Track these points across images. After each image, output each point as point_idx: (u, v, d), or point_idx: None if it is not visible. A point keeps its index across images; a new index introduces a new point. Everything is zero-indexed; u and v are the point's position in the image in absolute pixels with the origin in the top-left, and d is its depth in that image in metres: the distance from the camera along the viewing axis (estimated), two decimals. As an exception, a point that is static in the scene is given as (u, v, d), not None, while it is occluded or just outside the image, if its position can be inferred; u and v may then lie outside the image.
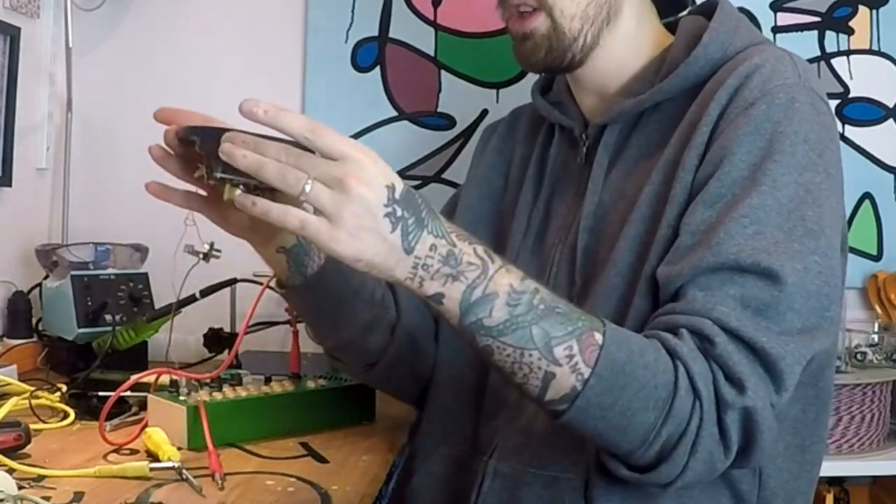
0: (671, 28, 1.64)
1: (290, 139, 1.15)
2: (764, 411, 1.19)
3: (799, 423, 1.42)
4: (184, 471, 1.64)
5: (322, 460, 1.80)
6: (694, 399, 1.17)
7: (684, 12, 1.69)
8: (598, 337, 1.16)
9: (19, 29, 2.62)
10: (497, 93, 2.75)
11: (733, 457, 1.23)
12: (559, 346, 1.14)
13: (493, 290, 1.14)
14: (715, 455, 1.21)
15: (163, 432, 1.79)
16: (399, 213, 1.09)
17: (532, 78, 1.84)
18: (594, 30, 1.53)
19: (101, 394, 2.00)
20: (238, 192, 1.21)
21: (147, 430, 1.82)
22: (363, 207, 1.05)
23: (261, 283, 2.11)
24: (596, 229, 1.53)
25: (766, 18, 2.73)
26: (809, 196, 1.29)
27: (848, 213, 2.72)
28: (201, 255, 1.79)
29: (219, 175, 1.23)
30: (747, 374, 1.17)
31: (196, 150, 1.30)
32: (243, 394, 1.96)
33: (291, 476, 1.68)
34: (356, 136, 2.76)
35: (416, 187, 2.69)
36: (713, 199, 1.29)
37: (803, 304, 1.24)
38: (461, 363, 1.74)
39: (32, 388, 2.14)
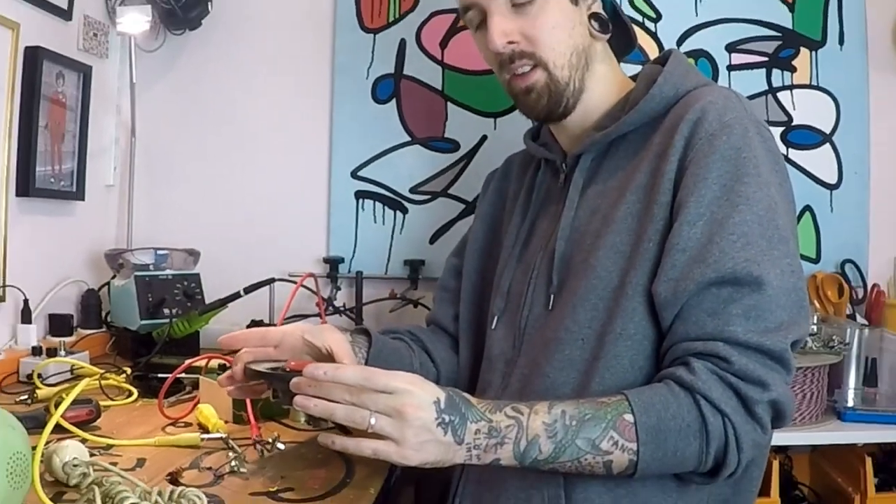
0: (633, 77, 1.66)
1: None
2: (784, 395, 1.27)
3: None
4: (230, 440, 1.68)
5: (347, 432, 1.81)
6: (722, 417, 1.23)
7: (647, 56, 1.73)
8: (629, 417, 1.23)
9: (91, 67, 2.65)
10: (495, 121, 2.76)
11: (771, 430, 1.32)
12: (602, 441, 1.22)
13: (533, 435, 1.22)
14: (757, 439, 1.27)
15: (212, 408, 1.83)
16: (447, 419, 1.20)
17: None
18: (579, 75, 1.56)
19: (159, 375, 2.03)
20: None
21: (199, 406, 1.86)
22: (421, 427, 1.18)
23: (294, 282, 2.15)
24: (571, 239, 1.54)
25: (723, 58, 2.75)
26: (776, 208, 1.33)
27: (789, 224, 2.76)
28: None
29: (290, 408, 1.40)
30: (764, 374, 1.24)
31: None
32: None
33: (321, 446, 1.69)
34: (376, 157, 2.82)
35: (427, 201, 2.73)
36: (694, 218, 1.31)
37: (786, 300, 1.28)
38: (466, 382, 1.82)
39: (102, 371, 2.18)
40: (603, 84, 1.62)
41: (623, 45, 1.74)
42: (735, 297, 1.27)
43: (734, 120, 1.38)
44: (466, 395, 1.28)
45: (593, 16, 1.57)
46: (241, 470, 1.55)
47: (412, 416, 1.17)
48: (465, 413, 1.23)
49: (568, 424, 1.22)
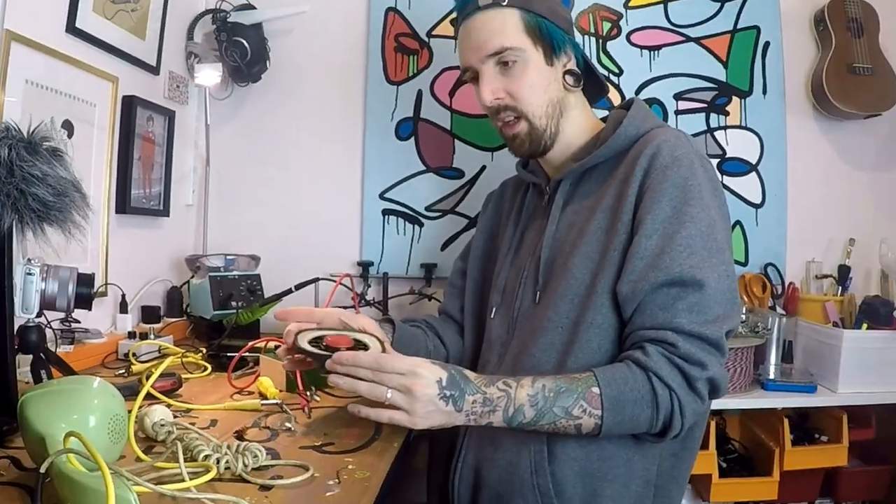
0: (603, 119, 1.67)
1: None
2: (719, 373, 1.32)
3: None
4: (283, 405, 1.68)
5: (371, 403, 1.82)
6: (669, 391, 1.28)
7: (612, 97, 1.74)
8: (596, 389, 1.28)
9: (174, 112, 2.66)
10: (492, 154, 2.76)
11: (709, 401, 1.38)
12: (574, 408, 1.29)
13: (519, 404, 1.30)
14: (697, 408, 1.32)
15: (269, 380, 1.83)
16: (448, 393, 1.28)
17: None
18: (555, 122, 1.59)
19: (228, 354, 2.02)
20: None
21: (259, 378, 1.86)
22: (427, 401, 1.27)
23: (334, 281, 2.14)
24: (553, 247, 1.55)
25: (671, 105, 2.75)
26: (715, 225, 1.36)
27: (725, 235, 2.76)
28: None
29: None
30: (704, 357, 1.29)
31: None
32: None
33: (358, 403, 1.68)
34: (398, 182, 2.81)
35: (438, 217, 2.72)
36: (650, 232, 1.35)
37: (721, 298, 1.32)
38: (470, 361, 1.81)
39: (183, 350, 2.18)
40: (577, 125, 1.64)
41: (596, 91, 1.75)
42: (681, 295, 1.31)
43: (683, 155, 1.40)
44: (466, 371, 1.34)
45: (568, 72, 1.60)
46: (292, 428, 1.55)
47: (420, 393, 1.25)
48: (464, 388, 1.30)
49: (547, 396, 1.29)
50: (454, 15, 2.71)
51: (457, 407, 1.29)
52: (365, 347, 1.39)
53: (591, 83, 1.71)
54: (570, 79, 1.60)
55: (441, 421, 1.30)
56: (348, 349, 1.38)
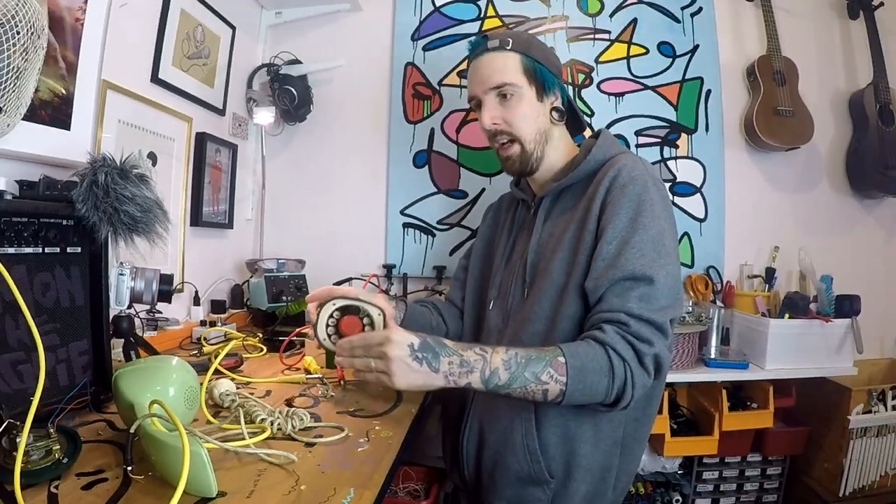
0: (579, 145, 1.67)
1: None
2: (664, 353, 1.28)
3: None
4: (324, 379, 1.68)
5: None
6: (623, 362, 1.24)
7: (586, 132, 1.74)
8: (562, 359, 1.22)
9: (237, 145, 2.66)
10: (490, 179, 2.75)
11: (654, 379, 1.29)
12: (542, 374, 1.22)
13: (494, 367, 1.23)
14: (645, 382, 1.27)
15: (312, 359, 1.83)
16: (420, 355, 1.21)
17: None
18: (541, 148, 1.59)
19: (280, 338, 2.02)
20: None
21: (304, 357, 1.86)
22: (400, 361, 1.19)
23: (364, 280, 2.14)
24: (537, 253, 1.54)
25: (633, 140, 2.74)
26: (664, 234, 1.35)
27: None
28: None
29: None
30: (651, 336, 1.26)
31: None
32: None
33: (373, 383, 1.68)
34: (415, 202, 2.80)
35: (447, 229, 2.72)
36: (610, 239, 1.34)
37: (667, 292, 1.30)
38: (470, 338, 1.78)
39: (243, 335, 2.18)
40: (559, 151, 1.63)
41: (577, 128, 1.75)
42: (634, 287, 1.29)
43: (638, 175, 1.39)
44: (445, 340, 1.27)
45: (554, 108, 1.60)
46: (331, 396, 1.55)
47: (392, 355, 1.19)
48: (439, 351, 1.23)
49: (519, 362, 1.23)
50: (461, 67, 2.76)
51: (432, 368, 1.21)
52: (372, 325, 1.38)
53: (574, 121, 1.71)
54: (555, 114, 1.60)
55: (420, 381, 1.22)
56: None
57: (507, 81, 1.54)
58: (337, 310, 1.40)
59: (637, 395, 1.27)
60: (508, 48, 1.55)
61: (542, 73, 1.57)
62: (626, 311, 1.27)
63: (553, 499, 1.42)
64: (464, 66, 2.78)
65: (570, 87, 2.77)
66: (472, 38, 1.65)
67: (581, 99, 2.77)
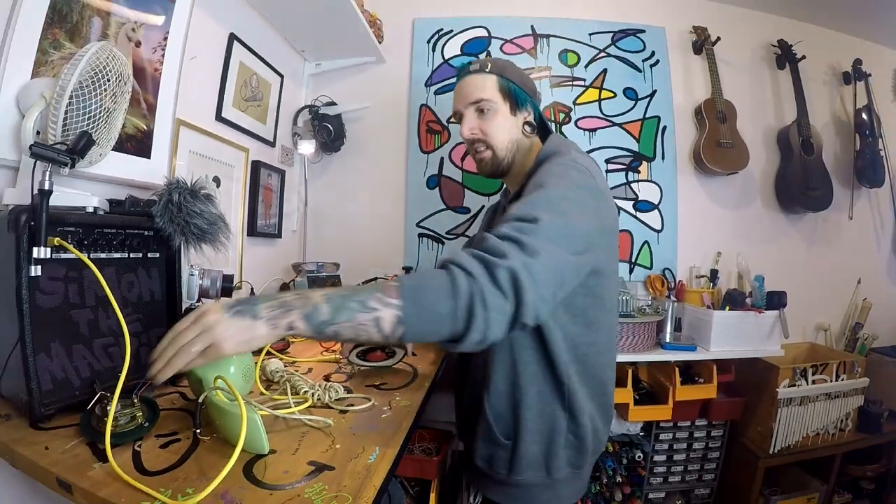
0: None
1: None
2: (520, 267, 0.96)
3: (582, 308, 1.28)
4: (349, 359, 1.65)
5: (413, 353, 1.79)
6: (468, 277, 0.95)
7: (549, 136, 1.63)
8: (393, 282, 0.96)
9: (284, 171, 2.64)
10: (488, 198, 2.73)
11: (513, 306, 0.96)
12: (369, 300, 0.93)
13: (314, 303, 0.93)
14: (500, 303, 0.95)
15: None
16: (238, 309, 0.92)
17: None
18: (511, 155, 1.50)
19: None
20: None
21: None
22: (223, 321, 0.90)
23: (387, 279, 2.11)
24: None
25: (603, 166, 2.72)
26: (564, 200, 1.13)
27: (636, 250, 2.72)
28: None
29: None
30: (505, 249, 0.98)
31: None
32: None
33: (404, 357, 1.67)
34: (428, 216, 2.78)
35: (454, 238, 2.70)
36: (523, 198, 1.14)
37: (549, 231, 1.03)
38: None
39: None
40: (527, 159, 1.51)
41: (546, 136, 1.68)
42: (515, 224, 1.05)
43: (563, 159, 1.26)
44: (264, 296, 0.97)
45: (526, 122, 1.52)
46: (359, 372, 1.54)
47: (210, 319, 0.90)
48: (255, 301, 0.94)
49: (344, 294, 0.95)
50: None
51: (251, 315, 0.91)
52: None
53: (543, 131, 1.60)
54: (527, 127, 1.52)
55: (245, 335, 0.91)
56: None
57: (483, 97, 1.48)
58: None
59: (494, 319, 0.95)
60: (487, 70, 1.50)
61: (516, 92, 1.50)
62: (492, 232, 1.05)
63: (512, 456, 1.34)
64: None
65: (553, 124, 2.75)
66: (459, 65, 1.60)
67: (562, 133, 2.75)
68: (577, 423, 1.32)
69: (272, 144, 2.53)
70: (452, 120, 1.63)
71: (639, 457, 2.64)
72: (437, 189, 2.79)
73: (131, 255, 1.27)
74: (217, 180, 2.06)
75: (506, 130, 1.50)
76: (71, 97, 1.13)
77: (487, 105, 1.48)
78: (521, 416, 1.31)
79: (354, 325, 0.93)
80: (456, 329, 0.95)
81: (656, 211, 2.76)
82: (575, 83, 2.79)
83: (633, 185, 2.76)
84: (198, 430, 1.03)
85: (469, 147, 1.56)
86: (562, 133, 2.75)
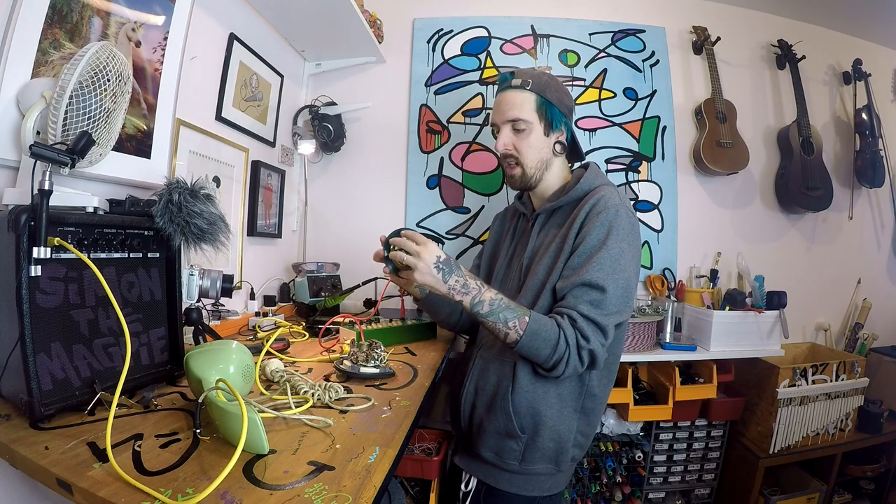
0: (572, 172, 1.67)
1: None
2: (598, 350, 1.32)
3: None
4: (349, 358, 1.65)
5: (413, 353, 1.80)
6: (566, 345, 1.31)
7: (578, 164, 1.71)
8: (527, 318, 1.32)
9: (284, 171, 2.64)
10: (488, 198, 2.74)
11: (585, 368, 1.35)
12: (510, 321, 1.32)
13: (482, 299, 1.34)
14: (577, 367, 1.33)
15: (346, 344, 1.80)
16: (441, 267, 1.34)
17: (505, 192, 1.83)
18: (539, 173, 1.60)
19: (319, 326, 2.01)
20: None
21: (339, 341, 1.83)
22: (426, 265, 1.34)
23: (387, 279, 2.12)
24: (530, 258, 1.56)
25: (604, 166, 2.72)
26: (624, 253, 1.37)
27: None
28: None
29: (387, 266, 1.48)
30: (590, 334, 1.31)
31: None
32: (380, 326, 1.94)
33: (403, 357, 1.68)
34: (428, 216, 2.78)
35: (454, 238, 2.69)
36: (581, 253, 1.38)
37: (615, 301, 1.34)
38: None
39: (290, 324, 2.16)
40: (556, 177, 1.63)
41: (576, 155, 1.72)
42: (588, 292, 1.34)
43: (612, 205, 1.42)
44: (462, 266, 1.38)
45: (558, 142, 1.60)
46: (360, 373, 1.54)
47: (424, 257, 1.34)
48: (454, 270, 1.35)
49: (501, 304, 1.34)
50: (466, 108, 2.75)
51: (444, 278, 1.34)
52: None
53: (574, 150, 1.69)
54: (558, 147, 1.60)
55: (432, 283, 1.34)
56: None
57: (520, 117, 1.55)
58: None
59: (568, 373, 1.34)
60: (528, 88, 1.55)
61: (553, 113, 1.56)
62: (577, 310, 1.32)
63: (524, 450, 1.46)
64: (468, 106, 2.78)
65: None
66: (503, 72, 1.63)
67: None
68: (587, 423, 1.50)
69: (272, 144, 2.53)
70: (472, 147, 1.71)
71: (639, 457, 2.64)
72: (437, 189, 2.79)
73: (131, 255, 1.27)
74: (217, 180, 2.06)
75: (537, 150, 1.59)
76: (71, 97, 1.13)
77: (523, 125, 1.57)
78: (542, 414, 1.44)
79: (493, 326, 1.34)
80: (545, 365, 1.35)
81: (656, 211, 2.76)
82: (575, 83, 2.79)
83: (633, 185, 2.76)
84: (198, 430, 1.03)
85: (501, 160, 1.65)
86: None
